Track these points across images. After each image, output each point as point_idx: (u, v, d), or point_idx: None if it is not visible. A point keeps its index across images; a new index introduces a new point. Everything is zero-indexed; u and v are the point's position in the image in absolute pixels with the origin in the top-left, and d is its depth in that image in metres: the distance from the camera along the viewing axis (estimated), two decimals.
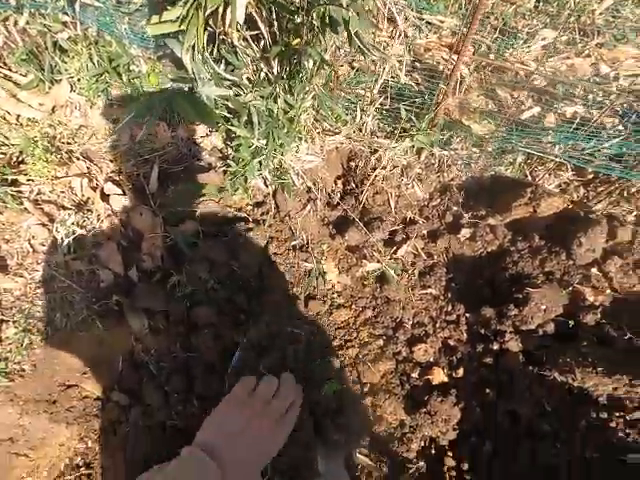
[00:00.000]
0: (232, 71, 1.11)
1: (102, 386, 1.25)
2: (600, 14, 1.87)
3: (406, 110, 1.50)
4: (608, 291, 1.35)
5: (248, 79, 1.19)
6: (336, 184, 1.69)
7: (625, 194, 1.55)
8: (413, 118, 1.52)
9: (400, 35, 1.55)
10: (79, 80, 1.51)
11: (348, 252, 1.57)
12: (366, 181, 1.60)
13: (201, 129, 1.54)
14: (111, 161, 1.47)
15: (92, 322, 1.20)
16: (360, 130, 1.59)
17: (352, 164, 1.63)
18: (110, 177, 1.43)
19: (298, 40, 1.09)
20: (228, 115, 1.29)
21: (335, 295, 1.51)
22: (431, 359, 1.41)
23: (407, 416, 1.29)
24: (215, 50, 1.05)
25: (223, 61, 1.11)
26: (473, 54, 1.75)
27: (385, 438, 1.26)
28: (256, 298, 1.39)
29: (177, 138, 1.55)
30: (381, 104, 1.53)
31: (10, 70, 1.54)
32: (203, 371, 1.22)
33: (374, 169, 1.59)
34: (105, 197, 1.36)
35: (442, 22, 1.83)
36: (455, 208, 1.62)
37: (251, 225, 1.47)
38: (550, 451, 1.12)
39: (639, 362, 1.18)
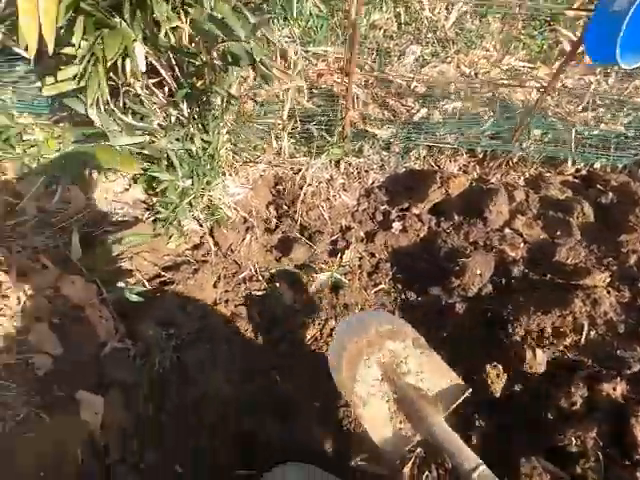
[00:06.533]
0: (141, 119, 1.12)
1: None
2: (449, 28, 2.25)
3: (317, 129, 1.63)
4: (522, 244, 1.57)
5: (160, 125, 1.20)
6: (269, 210, 1.73)
7: (510, 164, 1.84)
8: (325, 135, 1.65)
9: (294, 66, 1.69)
10: None
11: (297, 270, 1.60)
12: (297, 201, 1.68)
13: (120, 184, 1.48)
14: (21, 239, 1.34)
15: (37, 417, 1.05)
16: (279, 154, 1.67)
17: (280, 188, 1.69)
18: (23, 256, 1.30)
19: (202, 81, 1.14)
20: (147, 164, 1.28)
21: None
22: None
23: None
24: (121, 101, 1.05)
25: (130, 111, 1.11)
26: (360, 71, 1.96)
27: None
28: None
29: (93, 199, 1.47)
30: (293, 128, 1.64)
31: None
32: None
33: (301, 188, 1.68)
34: (22, 276, 1.22)
35: (326, 52, 2.04)
36: (382, 207, 1.76)
37: (196, 266, 1.44)
38: None
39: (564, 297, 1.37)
